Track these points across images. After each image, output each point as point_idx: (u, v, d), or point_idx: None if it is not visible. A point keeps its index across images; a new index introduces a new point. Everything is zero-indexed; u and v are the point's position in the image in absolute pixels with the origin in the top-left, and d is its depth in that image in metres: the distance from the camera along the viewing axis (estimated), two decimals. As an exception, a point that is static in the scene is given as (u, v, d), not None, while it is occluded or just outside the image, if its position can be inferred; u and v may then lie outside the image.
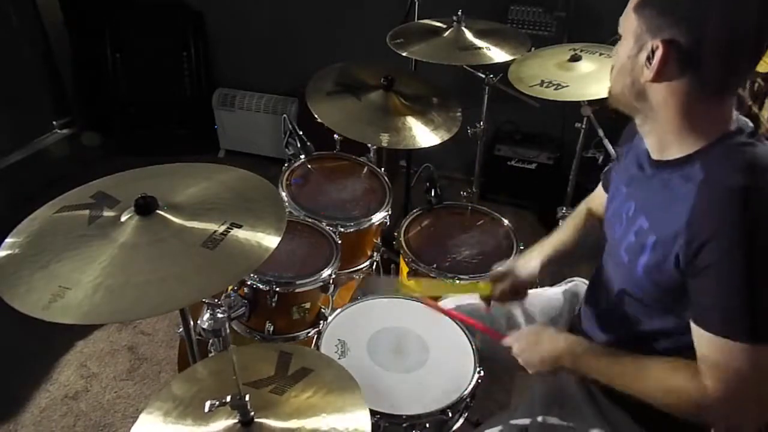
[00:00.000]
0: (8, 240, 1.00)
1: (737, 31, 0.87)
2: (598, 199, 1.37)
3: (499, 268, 1.37)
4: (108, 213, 1.03)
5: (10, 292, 0.89)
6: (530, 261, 1.36)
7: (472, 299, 1.42)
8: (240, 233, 0.99)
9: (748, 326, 0.86)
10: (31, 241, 0.99)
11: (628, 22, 0.95)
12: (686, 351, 0.96)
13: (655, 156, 1.03)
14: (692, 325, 0.93)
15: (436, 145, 1.85)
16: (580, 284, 1.48)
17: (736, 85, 0.96)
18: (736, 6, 0.86)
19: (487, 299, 1.36)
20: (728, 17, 0.86)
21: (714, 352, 0.90)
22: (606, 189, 1.31)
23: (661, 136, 1.00)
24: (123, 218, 1.00)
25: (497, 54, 1.93)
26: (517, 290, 1.34)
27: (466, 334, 1.37)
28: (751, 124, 0.97)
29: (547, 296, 1.47)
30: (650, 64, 0.91)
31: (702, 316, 0.91)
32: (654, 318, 1.05)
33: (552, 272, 1.47)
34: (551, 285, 1.54)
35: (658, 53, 0.89)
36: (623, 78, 0.98)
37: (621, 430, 1.14)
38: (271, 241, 0.99)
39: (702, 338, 0.91)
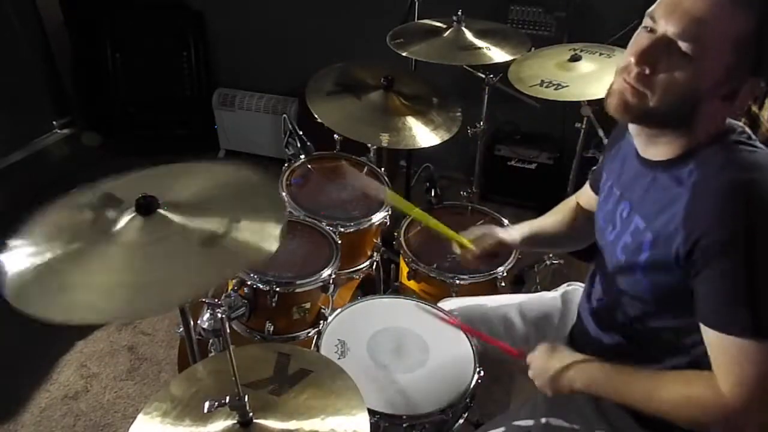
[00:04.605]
0: (9, 240, 1.00)
1: None
2: (585, 196, 1.38)
3: (482, 229, 1.45)
4: (109, 213, 1.03)
5: (11, 293, 0.88)
6: (511, 232, 1.44)
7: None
8: (240, 233, 0.99)
9: (755, 322, 0.84)
10: (32, 241, 0.99)
11: (715, 52, 0.87)
12: (686, 354, 0.96)
13: (644, 154, 1.03)
14: (702, 327, 0.91)
15: (436, 145, 1.85)
16: (577, 289, 1.47)
17: None
18: None
19: (465, 252, 1.44)
20: None
21: (725, 353, 0.88)
22: (594, 189, 1.31)
23: (656, 139, 0.99)
24: (124, 218, 1.00)
25: (497, 54, 1.93)
26: (495, 253, 1.44)
27: (465, 334, 1.37)
28: (739, 127, 0.97)
29: (545, 300, 1.47)
30: (732, 95, 0.90)
31: (708, 315, 0.90)
32: (653, 318, 1.05)
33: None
34: (548, 290, 1.53)
35: (748, 88, 0.89)
36: (677, 99, 0.91)
37: None
38: (271, 241, 0.99)
39: (712, 339, 0.90)
